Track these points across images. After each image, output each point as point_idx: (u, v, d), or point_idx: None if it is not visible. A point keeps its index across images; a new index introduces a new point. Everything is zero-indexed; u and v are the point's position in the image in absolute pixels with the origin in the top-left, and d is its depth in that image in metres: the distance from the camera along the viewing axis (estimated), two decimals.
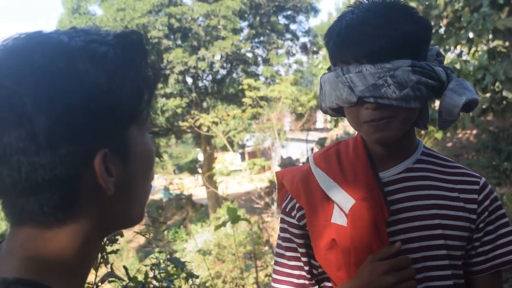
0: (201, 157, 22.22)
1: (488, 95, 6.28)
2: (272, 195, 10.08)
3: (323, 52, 20.06)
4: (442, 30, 7.41)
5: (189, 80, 17.57)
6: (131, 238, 15.07)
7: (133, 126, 0.62)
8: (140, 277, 2.49)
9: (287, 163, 9.30)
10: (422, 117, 1.13)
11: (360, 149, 1.15)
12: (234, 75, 17.90)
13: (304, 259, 1.18)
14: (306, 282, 1.19)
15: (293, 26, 18.45)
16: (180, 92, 16.72)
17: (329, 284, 1.18)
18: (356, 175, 1.12)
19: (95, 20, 16.21)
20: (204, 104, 17.89)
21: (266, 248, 8.15)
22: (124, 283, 2.27)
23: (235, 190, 14.64)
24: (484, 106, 6.30)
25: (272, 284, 1.23)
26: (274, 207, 9.57)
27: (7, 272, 0.56)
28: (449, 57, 7.63)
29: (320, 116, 21.14)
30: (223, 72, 17.83)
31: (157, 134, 17.82)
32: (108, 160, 0.59)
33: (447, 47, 6.61)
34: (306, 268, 1.19)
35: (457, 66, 5.79)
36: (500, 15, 5.69)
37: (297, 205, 1.19)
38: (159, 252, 2.73)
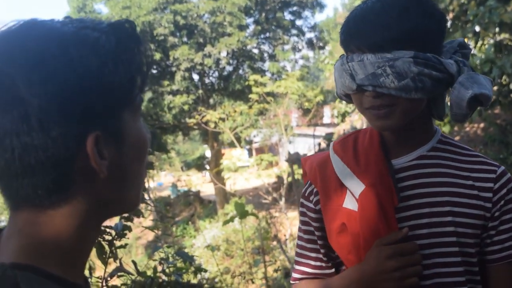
0: (208, 153, 22.25)
1: (495, 88, 6.25)
2: (280, 190, 10.08)
3: (329, 47, 20.02)
4: (448, 24, 7.37)
5: (196, 77, 17.58)
6: (139, 235, 15.14)
7: (126, 111, 0.64)
8: (149, 273, 2.52)
9: (294, 159, 9.29)
10: (438, 108, 1.14)
11: (374, 137, 1.17)
12: (241, 71, 17.88)
13: (320, 242, 1.22)
14: (323, 264, 1.23)
15: (299, 22, 18.42)
16: (187, 89, 16.74)
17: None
18: (368, 161, 1.14)
19: (100, 19, 16.24)
20: (211, 101, 17.90)
21: (274, 243, 8.17)
22: (133, 277, 2.30)
23: (243, 186, 14.66)
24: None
25: (294, 266, 1.28)
26: (282, 202, 9.58)
27: (5, 257, 0.58)
28: None
29: (327, 111, 21.09)
30: (229, 68, 17.83)
31: (165, 131, 17.86)
32: (101, 143, 0.60)
33: None
34: (323, 251, 1.22)
35: None
36: (506, 8, 5.65)
37: (314, 190, 1.22)
38: (168, 246, 2.76)
